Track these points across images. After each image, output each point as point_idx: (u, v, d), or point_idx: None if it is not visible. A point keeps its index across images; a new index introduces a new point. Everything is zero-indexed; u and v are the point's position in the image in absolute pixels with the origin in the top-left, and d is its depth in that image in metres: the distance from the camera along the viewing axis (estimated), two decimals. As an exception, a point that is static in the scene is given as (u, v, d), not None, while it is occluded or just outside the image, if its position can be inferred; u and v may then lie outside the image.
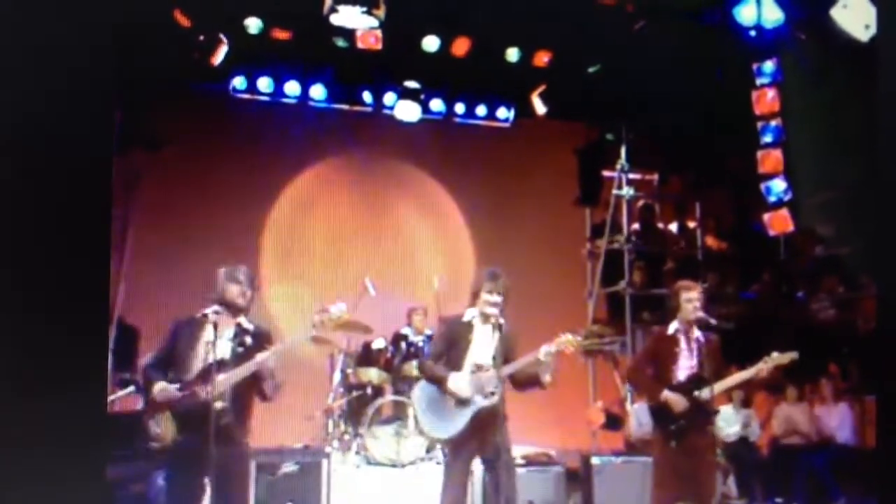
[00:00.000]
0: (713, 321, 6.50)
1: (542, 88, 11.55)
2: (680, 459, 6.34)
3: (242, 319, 5.26)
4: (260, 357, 5.09)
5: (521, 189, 12.60)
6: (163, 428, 5.00)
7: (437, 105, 12.13)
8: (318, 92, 11.75)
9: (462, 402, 5.82)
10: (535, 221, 12.45)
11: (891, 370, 3.60)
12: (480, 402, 5.80)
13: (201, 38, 10.00)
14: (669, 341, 6.47)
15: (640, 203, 11.74)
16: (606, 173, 11.71)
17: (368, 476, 8.49)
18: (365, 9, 8.73)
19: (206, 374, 4.98)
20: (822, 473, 9.67)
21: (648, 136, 11.49)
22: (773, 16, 9.77)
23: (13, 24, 3.06)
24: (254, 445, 7.01)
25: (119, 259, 10.27)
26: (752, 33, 10.06)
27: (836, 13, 8.99)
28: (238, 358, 5.13)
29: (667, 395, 6.31)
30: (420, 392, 6.11)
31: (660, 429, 6.46)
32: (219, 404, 4.98)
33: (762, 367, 6.46)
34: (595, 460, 8.44)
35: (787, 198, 10.61)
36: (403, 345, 9.48)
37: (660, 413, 6.43)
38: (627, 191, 11.31)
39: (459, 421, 5.83)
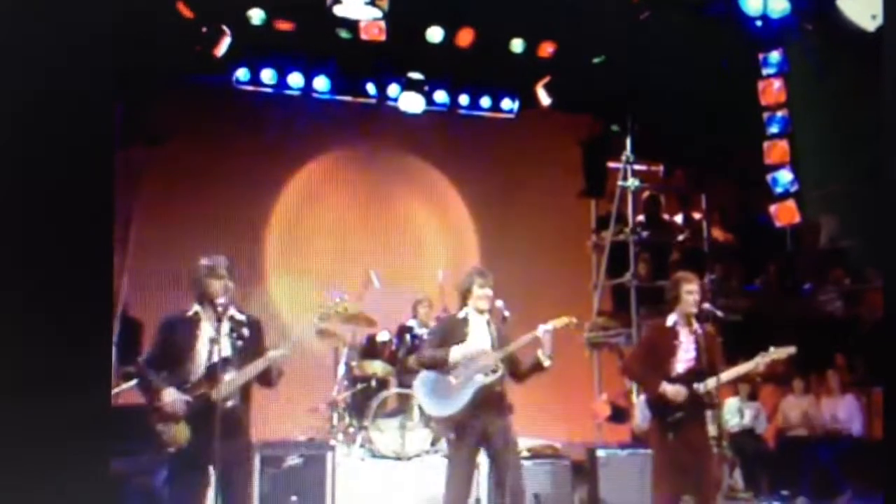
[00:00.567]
0: (720, 313, 6.48)
1: (546, 80, 11.50)
2: (678, 452, 6.33)
3: (233, 311, 5.20)
4: (273, 354, 5.08)
5: (526, 181, 12.57)
6: (175, 432, 4.98)
7: (441, 97, 12.08)
8: (321, 83, 11.71)
9: (464, 379, 5.89)
10: (540, 213, 12.41)
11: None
12: (481, 379, 5.90)
13: (204, 29, 9.96)
14: (668, 333, 6.45)
15: (646, 194, 11.69)
16: (611, 165, 11.66)
17: (373, 469, 8.49)
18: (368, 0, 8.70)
19: (214, 374, 4.96)
20: (828, 465, 9.65)
21: (654, 127, 11.42)
22: (779, 6, 9.73)
23: (13, 17, 3.04)
24: (258, 438, 7.02)
25: (122, 252, 10.25)
26: (758, 23, 10.02)
27: (843, 3, 8.95)
28: (239, 352, 5.10)
29: (665, 387, 6.29)
30: (421, 381, 6.25)
31: (657, 421, 6.45)
32: (229, 403, 4.98)
33: (759, 362, 6.44)
34: (601, 453, 8.40)
35: (793, 189, 10.56)
36: (408, 337, 9.45)
37: (657, 405, 6.41)
38: (633, 182, 11.26)
39: (462, 398, 5.93)
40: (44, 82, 3.07)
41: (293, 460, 7.50)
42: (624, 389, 10.97)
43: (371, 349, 9.39)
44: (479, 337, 6.04)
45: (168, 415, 4.96)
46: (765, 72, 10.59)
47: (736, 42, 10.30)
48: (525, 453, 8.11)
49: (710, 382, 6.28)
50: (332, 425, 9.19)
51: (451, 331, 6.12)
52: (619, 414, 10.78)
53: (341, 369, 9.38)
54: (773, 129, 10.65)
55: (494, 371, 5.89)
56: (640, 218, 11.46)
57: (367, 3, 8.76)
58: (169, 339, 5.16)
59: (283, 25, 10.33)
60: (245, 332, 5.18)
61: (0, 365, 2.95)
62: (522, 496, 5.94)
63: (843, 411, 10.11)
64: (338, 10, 9.34)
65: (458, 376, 5.96)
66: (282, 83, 11.60)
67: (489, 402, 5.86)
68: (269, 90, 11.64)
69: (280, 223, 12.01)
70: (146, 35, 8.51)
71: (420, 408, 8.47)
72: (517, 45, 10.84)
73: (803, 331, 9.97)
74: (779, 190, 10.64)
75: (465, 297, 6.12)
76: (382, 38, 10.07)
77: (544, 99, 11.60)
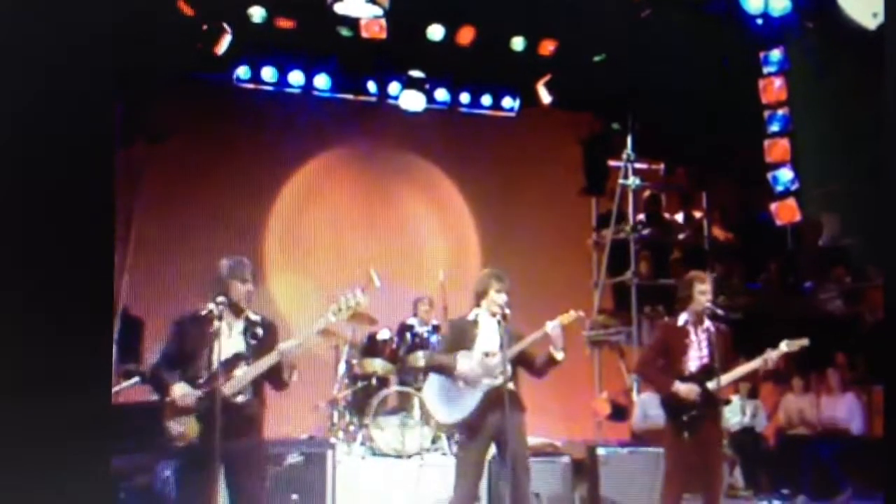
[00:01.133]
0: (720, 311, 6.48)
1: (547, 78, 11.49)
2: (692, 451, 6.33)
3: (248, 312, 5.23)
4: (284, 345, 5.08)
5: (527, 179, 12.56)
6: (186, 427, 4.98)
7: (441, 95, 12.09)
8: (322, 82, 11.71)
9: (471, 384, 5.91)
10: (541, 211, 12.40)
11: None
12: (489, 382, 5.89)
13: (205, 27, 9.96)
14: (680, 333, 6.45)
15: (647, 193, 11.70)
16: (612, 163, 11.67)
17: (373, 467, 8.49)
18: (369, -2, 8.70)
19: (226, 369, 4.97)
20: (828, 464, 9.64)
21: (654, 125, 11.42)
22: (779, 4, 9.73)
23: (14, 16, 3.03)
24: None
25: (123, 251, 10.25)
26: (759, 21, 10.01)
27: (844, 1, 8.93)
28: (253, 350, 5.12)
29: (678, 386, 6.29)
30: (429, 385, 6.22)
31: (671, 420, 6.44)
32: (240, 398, 4.98)
33: (772, 356, 6.43)
34: (601, 451, 8.40)
35: (794, 187, 10.54)
36: (409, 335, 9.45)
37: (671, 405, 6.41)
38: (633, 180, 11.28)
39: (470, 402, 5.91)
40: (44, 81, 3.06)
41: (294, 458, 7.50)
42: (624, 387, 10.99)
43: (372, 347, 9.38)
44: (488, 338, 6.00)
45: (179, 409, 4.97)
46: (765, 70, 10.58)
47: (737, 40, 10.29)
48: (525, 451, 8.13)
49: (724, 380, 6.29)
50: (332, 423, 9.20)
51: (462, 333, 6.11)
52: (620, 412, 10.79)
53: (342, 367, 9.38)
54: (774, 128, 10.63)
55: (502, 372, 5.83)
56: (641, 216, 11.46)
57: (367, 1, 8.74)
58: (183, 338, 5.17)
59: (284, 23, 10.33)
60: (259, 331, 5.21)
61: (0, 364, 2.95)
62: (527, 497, 5.92)
63: (844, 410, 10.11)
64: (338, 8, 9.32)
65: (467, 380, 5.94)
66: (282, 81, 11.61)
67: (499, 403, 5.82)
68: (269, 88, 11.65)
69: (280, 221, 12.00)
70: (147, 33, 8.51)
71: (421, 406, 8.48)
72: (518, 43, 10.84)
73: (804, 329, 9.92)
74: (779, 188, 10.62)
75: (479, 297, 6.08)
76: (383, 36, 10.07)
77: (545, 97, 11.60)
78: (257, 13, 10.09)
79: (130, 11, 4.85)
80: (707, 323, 6.43)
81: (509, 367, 5.86)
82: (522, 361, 6.07)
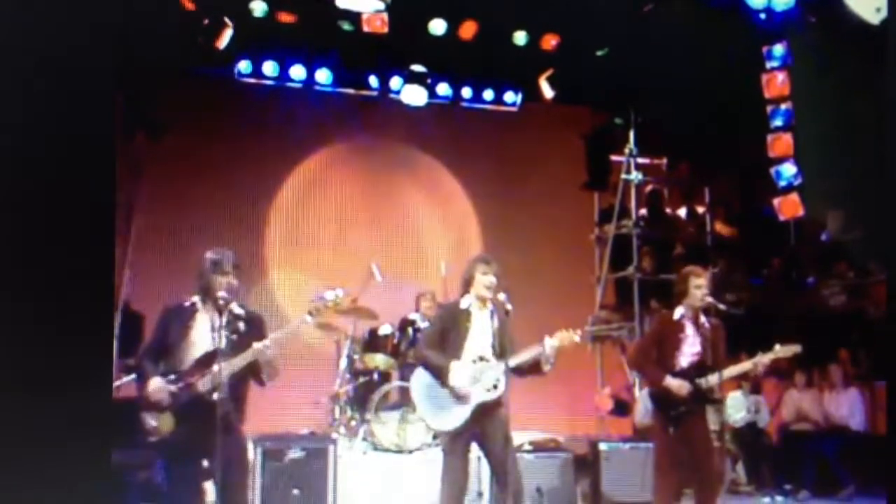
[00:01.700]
0: (722, 307, 6.47)
1: (549, 72, 11.46)
2: (679, 446, 6.35)
3: (233, 305, 5.16)
4: (257, 346, 5.01)
5: (529, 174, 12.53)
6: (159, 421, 4.95)
7: (443, 89, 12.06)
8: (323, 76, 11.69)
9: (462, 398, 5.79)
10: (543, 206, 12.38)
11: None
12: (482, 395, 5.78)
13: (206, 21, 9.93)
14: (675, 326, 6.45)
15: (649, 188, 11.68)
16: (614, 158, 11.65)
17: (375, 462, 8.49)
18: (371, -9, 8.69)
19: (202, 365, 4.93)
20: (831, 460, 9.64)
21: (657, 120, 11.39)
22: (783, -2, 9.71)
23: (14, 9, 3.01)
24: (260, 432, 7.01)
25: (124, 245, 10.24)
26: (762, 16, 9.99)
27: (847, -4, 8.92)
28: (233, 346, 5.05)
29: (669, 381, 6.29)
30: (418, 380, 6.06)
31: (660, 415, 6.45)
32: (216, 395, 4.93)
33: (765, 358, 6.42)
34: (603, 446, 8.40)
35: (797, 182, 10.53)
36: (410, 330, 9.44)
37: (660, 399, 6.41)
38: (636, 175, 11.25)
39: (460, 416, 5.80)
40: (44, 75, 3.04)
41: (295, 453, 7.49)
42: (626, 383, 10.98)
43: (373, 342, 9.37)
44: (481, 335, 5.89)
45: (152, 404, 4.95)
46: (769, 65, 10.56)
47: (740, 35, 10.26)
48: (527, 446, 8.13)
49: (713, 378, 6.28)
50: (333, 418, 9.19)
51: (453, 321, 5.96)
52: (622, 407, 10.78)
53: (343, 362, 9.37)
54: (777, 123, 10.62)
55: (496, 387, 5.74)
56: (643, 211, 11.45)
57: (369, -5, 8.74)
58: (165, 330, 5.14)
59: (286, 17, 10.31)
60: (241, 326, 5.13)
61: (0, 359, 2.94)
62: (521, 491, 5.90)
63: (846, 405, 10.10)
64: (340, 3, 9.31)
65: (457, 390, 5.80)
66: (284, 75, 11.59)
67: (487, 414, 5.77)
68: (271, 82, 11.62)
69: (282, 215, 11.98)
70: (148, 27, 8.49)
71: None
72: (520, 37, 10.81)
73: (806, 324, 9.96)
74: (782, 183, 10.61)
75: (467, 284, 5.96)
76: (385, 30, 10.04)
77: (547, 92, 11.56)
78: (258, 7, 10.07)
79: (132, 5, 4.84)
80: (703, 319, 6.42)
81: (503, 380, 5.74)
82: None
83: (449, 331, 5.96)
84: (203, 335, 4.99)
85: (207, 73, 11.12)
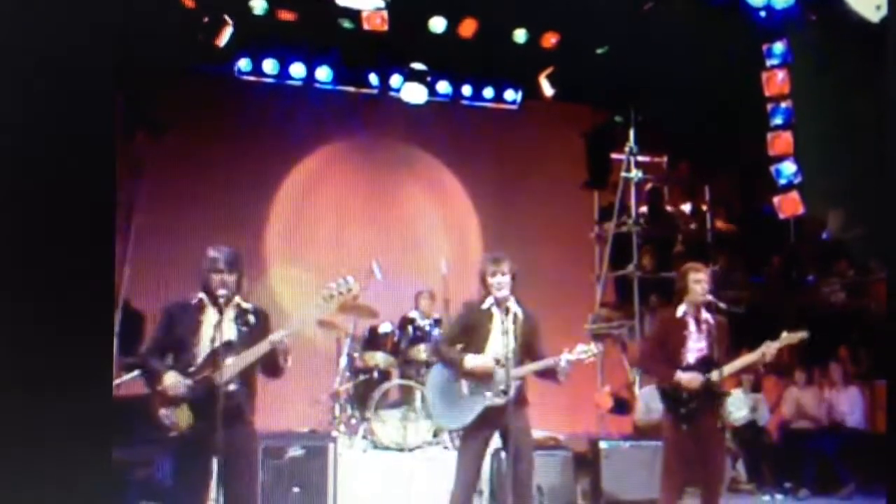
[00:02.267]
0: (722, 305, 6.45)
1: (549, 70, 11.45)
2: (690, 443, 6.31)
3: (239, 300, 5.17)
4: (274, 337, 5.03)
5: (529, 172, 12.54)
6: (177, 417, 4.95)
7: (443, 87, 12.06)
8: (323, 74, 11.69)
9: (474, 393, 5.79)
10: (543, 204, 12.38)
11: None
12: (491, 399, 5.77)
13: (206, 19, 9.93)
14: (678, 324, 6.42)
15: (649, 186, 11.67)
16: (615, 156, 11.64)
17: (375, 460, 8.48)
18: (371, -11, 8.68)
19: (216, 358, 4.93)
20: (831, 458, 9.64)
21: (657, 118, 11.39)
22: (783, -4, 9.71)
23: (14, 6, 3.01)
24: (260, 430, 7.00)
25: (124, 243, 10.23)
26: (762, 14, 9.99)
27: (847, -6, 8.92)
28: (245, 338, 5.07)
29: (681, 375, 6.26)
30: (434, 378, 6.10)
31: (670, 412, 6.42)
32: (231, 387, 4.94)
33: (772, 347, 6.40)
34: (603, 444, 8.42)
35: (797, 180, 10.53)
36: (411, 329, 9.44)
37: (670, 396, 6.39)
38: (636, 173, 11.25)
39: (468, 414, 5.81)
40: (45, 73, 3.04)
41: (295, 451, 7.50)
42: (627, 381, 10.99)
43: (373, 340, 9.37)
44: (501, 338, 5.82)
45: (170, 398, 4.94)
46: (768, 62, 10.56)
47: (740, 32, 10.26)
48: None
49: (722, 371, 6.26)
50: (334, 416, 9.18)
51: (475, 321, 5.93)
52: (622, 405, 10.78)
53: (343, 360, 9.37)
54: (777, 121, 10.62)
55: (505, 392, 5.70)
56: (644, 209, 11.44)
57: (369, -7, 8.74)
58: (172, 326, 5.14)
59: (286, 15, 10.31)
60: (251, 318, 5.14)
61: (1, 357, 2.94)
62: (529, 489, 5.89)
63: (847, 404, 10.10)
64: (340, 0, 9.30)
65: (469, 387, 5.83)
66: (284, 73, 11.59)
67: (499, 415, 5.77)
68: (270, 80, 11.63)
69: (282, 213, 11.99)
70: (148, 24, 8.49)
71: (422, 400, 8.47)
72: (520, 35, 10.81)
73: (807, 323, 9.93)
74: (782, 181, 10.62)
75: (482, 282, 5.94)
76: (385, 28, 10.04)
77: (547, 90, 11.56)
78: (258, 5, 10.07)
79: (132, 3, 4.83)
80: (706, 315, 6.41)
81: (512, 386, 5.69)
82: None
83: (470, 331, 5.96)
84: (214, 330, 4.99)
85: (207, 71, 11.12)
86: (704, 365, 6.30)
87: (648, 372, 8.15)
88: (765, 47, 10.53)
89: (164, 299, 5.52)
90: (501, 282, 5.83)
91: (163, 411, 4.97)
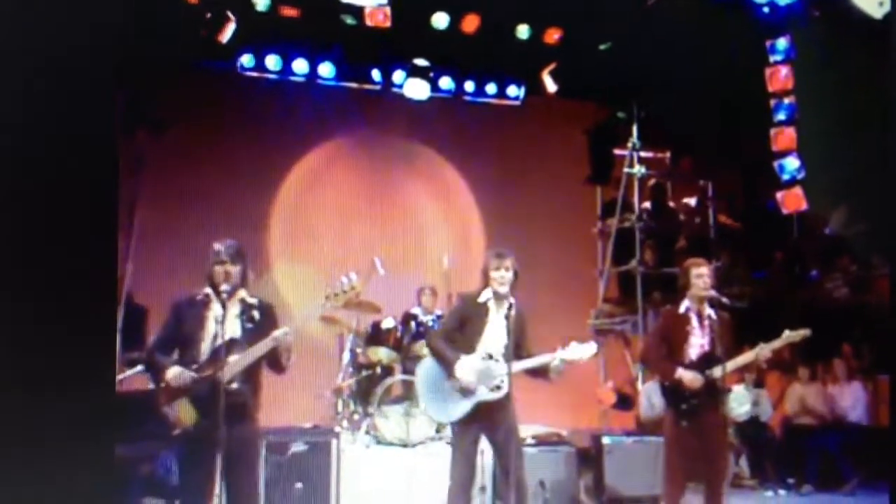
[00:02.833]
0: (725, 300, 6.45)
1: (552, 66, 11.45)
2: (691, 439, 6.31)
3: (244, 294, 5.17)
4: (278, 333, 5.02)
5: (532, 168, 12.53)
6: (181, 413, 4.95)
7: (446, 83, 12.06)
8: (326, 70, 11.69)
9: (466, 392, 5.79)
10: (546, 200, 12.38)
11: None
12: (484, 394, 5.78)
13: (209, 15, 9.93)
14: (681, 320, 6.43)
15: (652, 182, 11.66)
16: (618, 151, 11.62)
17: (378, 456, 8.48)
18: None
19: (221, 354, 4.93)
20: (834, 453, 9.65)
21: (660, 114, 11.37)
22: (786, -8, 9.70)
23: (12, 6, 3.01)
24: (263, 425, 7.00)
25: (126, 239, 10.22)
26: (766, 10, 9.98)
27: (850, -10, 8.91)
28: (249, 334, 5.06)
29: (681, 373, 6.26)
30: (424, 370, 6.08)
31: (672, 408, 6.42)
32: (235, 384, 4.95)
33: (766, 349, 6.40)
34: (606, 440, 8.42)
35: (800, 176, 10.52)
36: (413, 324, 9.44)
37: (672, 392, 6.39)
38: (639, 169, 11.23)
39: (460, 410, 5.82)
40: (47, 69, 3.04)
41: (298, 447, 7.50)
42: (629, 377, 10.98)
43: (376, 336, 9.36)
44: (495, 332, 5.87)
45: (174, 392, 4.94)
46: (772, 58, 10.55)
47: (743, 29, 10.25)
48: (530, 440, 8.13)
49: (727, 366, 6.26)
50: (336, 412, 9.20)
51: (472, 313, 5.94)
52: (625, 401, 10.78)
53: (346, 356, 9.38)
54: (780, 116, 10.62)
55: (499, 388, 5.74)
56: (647, 205, 11.43)
57: (371, -11, 8.73)
58: (178, 321, 5.14)
59: (288, 11, 10.30)
60: (255, 314, 5.13)
61: (4, 353, 2.94)
62: (525, 484, 5.90)
63: (849, 399, 10.10)
64: (342, -4, 9.31)
65: (461, 383, 5.81)
66: (286, 69, 11.58)
67: (491, 410, 5.77)
68: (273, 76, 11.62)
69: (284, 209, 11.98)
70: (151, 20, 8.49)
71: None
72: (523, 31, 10.80)
73: (809, 318, 9.93)
74: (786, 177, 10.61)
75: (485, 276, 5.95)
76: (387, 24, 10.04)
77: (550, 86, 11.55)
78: (261, 1, 10.08)
79: (134, 0, 4.83)
80: (709, 310, 6.40)
81: (507, 381, 5.72)
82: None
83: (466, 323, 5.96)
84: (219, 326, 4.98)
85: (210, 67, 11.12)
86: (706, 361, 6.30)
87: (651, 368, 8.16)
88: (768, 43, 10.51)
89: (168, 295, 5.49)
90: (504, 277, 5.84)
91: (167, 408, 4.97)
